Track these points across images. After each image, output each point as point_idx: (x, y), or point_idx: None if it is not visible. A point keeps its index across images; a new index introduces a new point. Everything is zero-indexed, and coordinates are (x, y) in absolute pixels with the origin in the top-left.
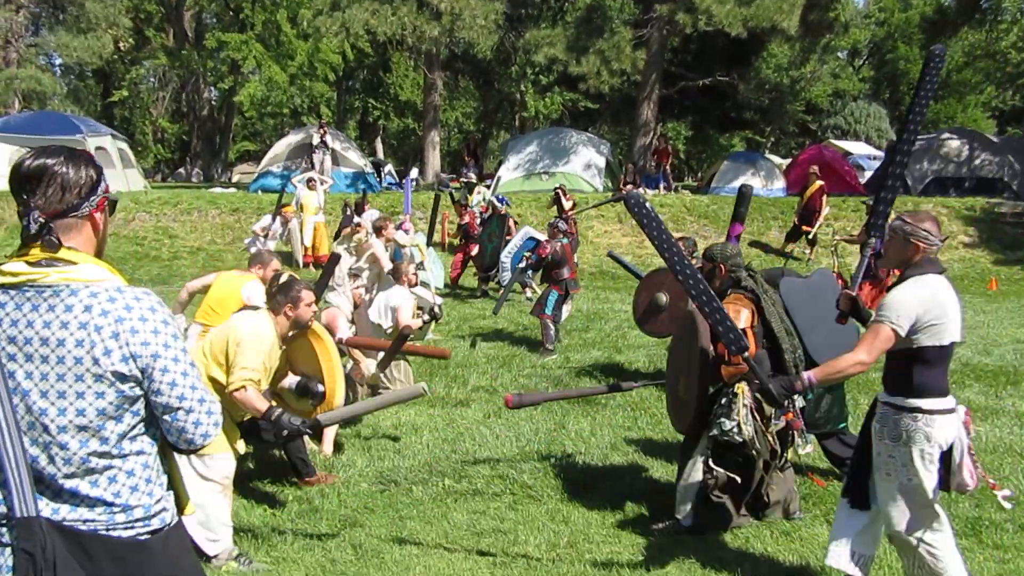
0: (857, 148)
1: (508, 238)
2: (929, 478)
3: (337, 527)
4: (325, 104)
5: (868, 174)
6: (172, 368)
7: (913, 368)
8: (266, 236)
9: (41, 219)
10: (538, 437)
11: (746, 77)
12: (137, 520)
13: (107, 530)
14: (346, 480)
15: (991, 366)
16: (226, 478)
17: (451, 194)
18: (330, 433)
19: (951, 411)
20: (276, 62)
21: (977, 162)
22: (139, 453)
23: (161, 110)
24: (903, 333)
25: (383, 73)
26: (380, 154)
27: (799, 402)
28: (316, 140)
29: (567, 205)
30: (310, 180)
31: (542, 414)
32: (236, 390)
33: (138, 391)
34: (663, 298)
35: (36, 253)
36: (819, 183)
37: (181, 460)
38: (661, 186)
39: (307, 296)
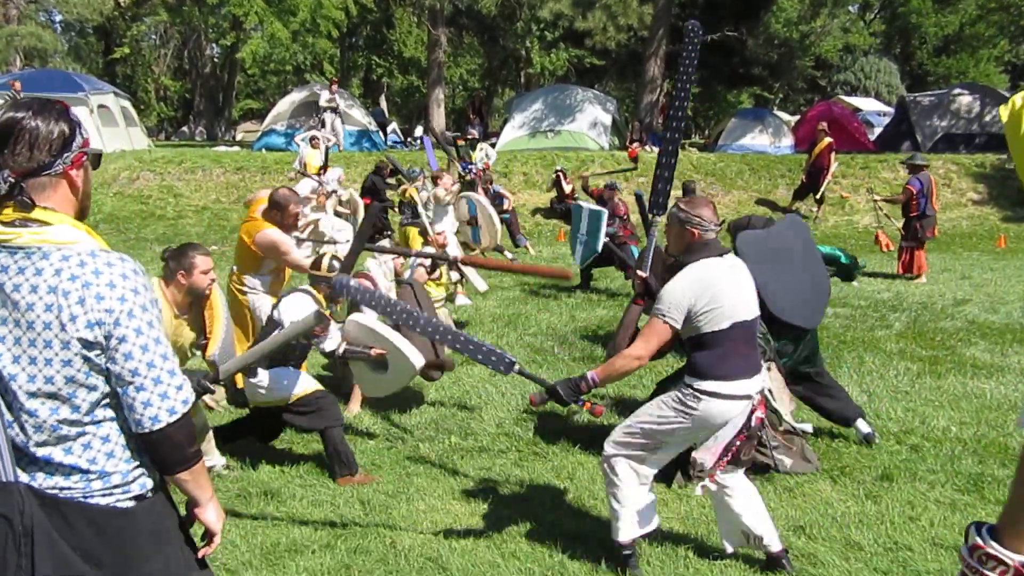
0: (867, 104)
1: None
2: (673, 442)
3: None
4: (328, 61)
5: (878, 130)
6: (131, 339)
7: (693, 351)
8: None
9: (11, 179)
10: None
11: (755, 32)
12: (115, 487)
13: (84, 497)
14: (353, 437)
15: (998, 324)
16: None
17: (457, 149)
18: (359, 392)
19: (735, 397)
20: (278, 18)
21: (988, 118)
22: (113, 419)
23: (163, 67)
24: (678, 325)
25: (386, 29)
26: (383, 107)
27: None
28: (324, 100)
29: (567, 188)
30: (313, 138)
31: (548, 372)
32: None
33: (104, 359)
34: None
35: (9, 213)
36: (828, 140)
37: None
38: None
39: (202, 262)
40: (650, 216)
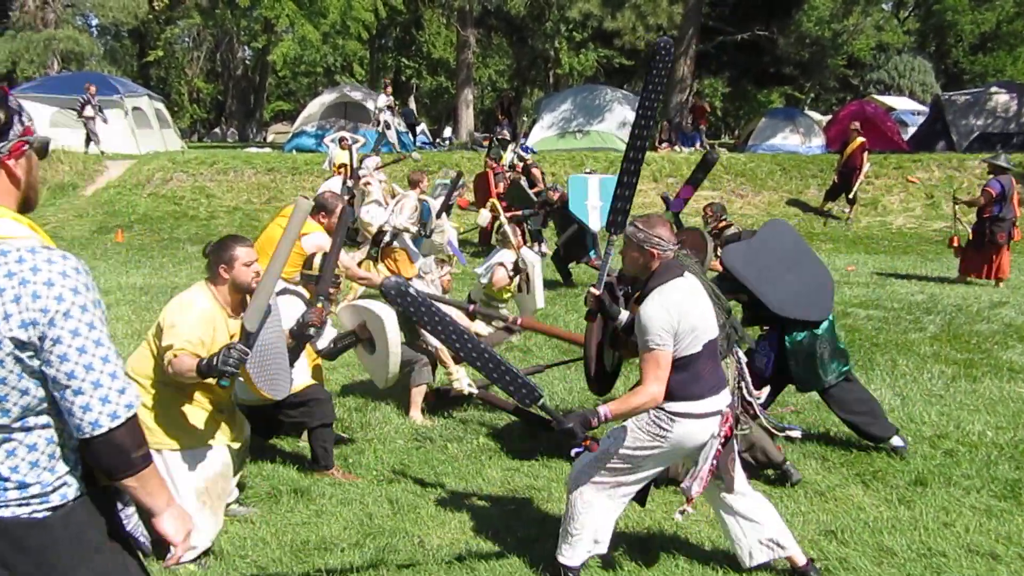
0: (901, 103)
1: (534, 190)
2: (649, 466)
3: (374, 482)
4: (358, 63)
5: (912, 130)
6: (67, 340)
7: None
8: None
9: None
10: (572, 396)
11: (786, 31)
12: (32, 497)
13: None
14: (382, 437)
15: None
16: (208, 480)
17: (491, 146)
18: (417, 397)
19: (707, 415)
20: (309, 20)
21: None
22: (45, 427)
23: (196, 70)
24: (671, 348)
25: (415, 31)
26: (413, 107)
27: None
28: (382, 102)
29: None
30: (342, 139)
31: (576, 374)
32: (168, 364)
33: (38, 362)
34: None
35: None
36: (860, 140)
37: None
38: (697, 144)
39: (244, 254)
40: (607, 234)
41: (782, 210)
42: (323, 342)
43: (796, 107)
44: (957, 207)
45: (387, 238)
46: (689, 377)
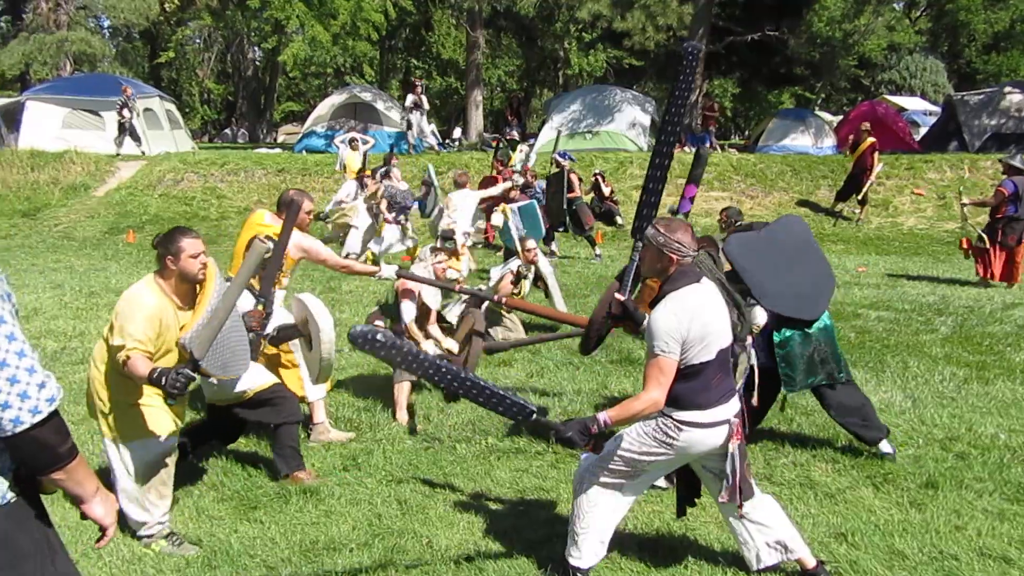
0: (912, 104)
1: (570, 196)
2: (654, 470)
3: (383, 483)
4: (368, 64)
5: (923, 131)
6: None
7: (674, 382)
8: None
9: None
10: (580, 397)
11: (796, 31)
12: None
13: None
14: (391, 438)
15: None
16: (156, 466)
17: (498, 147)
18: (401, 396)
19: (714, 424)
20: (319, 21)
21: None
22: None
23: (207, 71)
24: (677, 356)
25: (425, 32)
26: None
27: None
28: (410, 101)
29: (606, 191)
30: (352, 140)
31: (584, 374)
32: (122, 364)
33: None
34: None
35: None
36: (871, 140)
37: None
38: (707, 145)
39: (190, 246)
40: (635, 240)
41: (792, 211)
42: (269, 327)
43: (807, 108)
44: (966, 209)
45: (438, 243)
46: (699, 385)
